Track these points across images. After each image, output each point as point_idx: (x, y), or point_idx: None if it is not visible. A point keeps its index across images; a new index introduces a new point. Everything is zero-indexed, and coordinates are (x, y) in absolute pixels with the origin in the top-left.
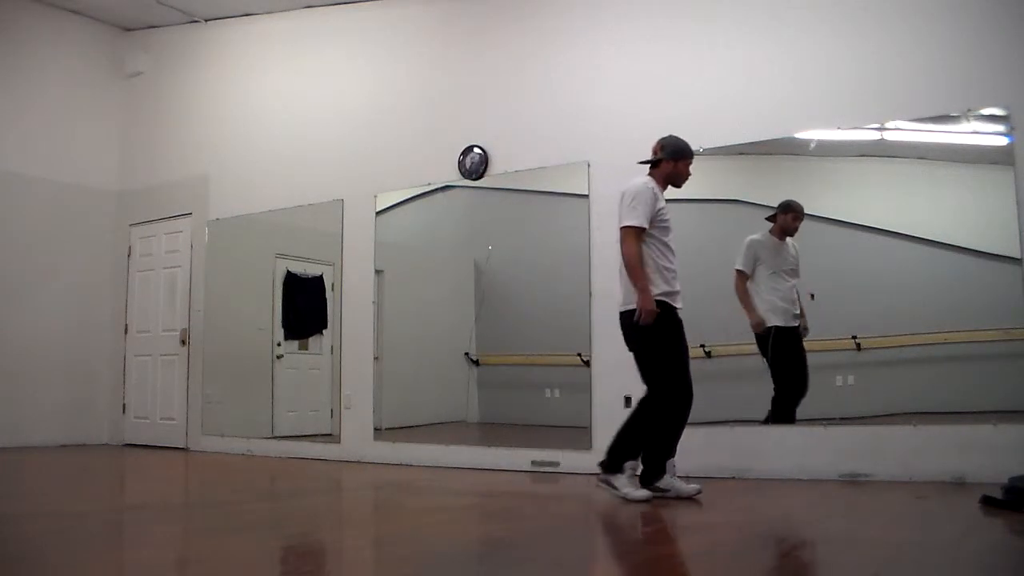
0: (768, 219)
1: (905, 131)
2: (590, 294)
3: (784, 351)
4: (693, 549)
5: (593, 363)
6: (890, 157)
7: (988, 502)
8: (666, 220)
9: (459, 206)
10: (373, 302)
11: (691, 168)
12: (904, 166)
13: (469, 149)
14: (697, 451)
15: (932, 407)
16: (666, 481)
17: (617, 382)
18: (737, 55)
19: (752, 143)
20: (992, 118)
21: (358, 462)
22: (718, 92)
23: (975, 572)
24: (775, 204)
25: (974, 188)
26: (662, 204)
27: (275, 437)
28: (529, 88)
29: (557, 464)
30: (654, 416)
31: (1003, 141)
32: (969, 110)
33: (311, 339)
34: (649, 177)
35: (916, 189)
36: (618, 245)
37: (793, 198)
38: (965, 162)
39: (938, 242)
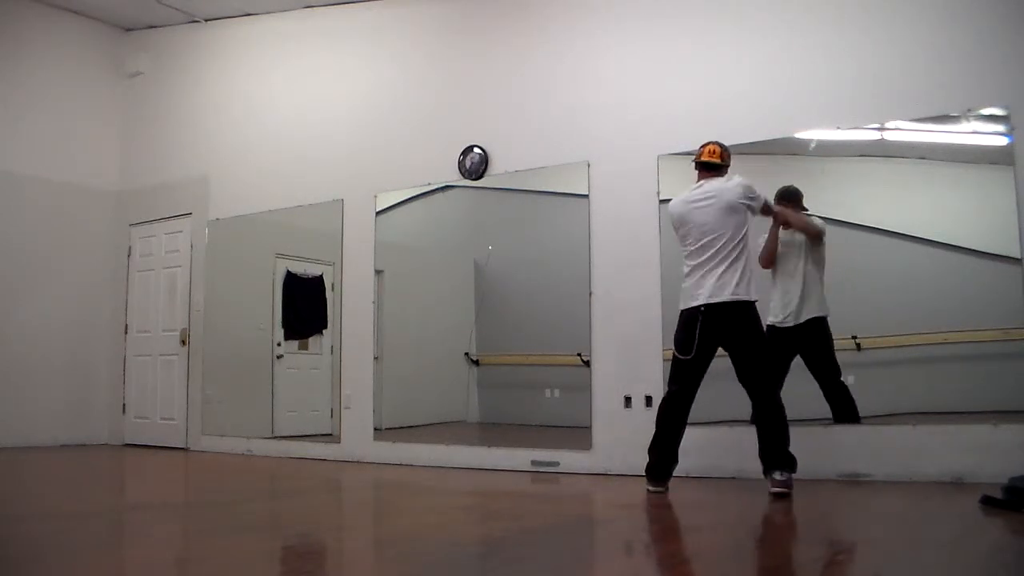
0: None
1: (905, 131)
2: (590, 294)
3: None
4: (693, 549)
5: (593, 363)
6: (890, 157)
7: (988, 502)
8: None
9: (459, 206)
10: (373, 302)
11: None
12: (904, 166)
13: (469, 149)
14: (697, 451)
15: (932, 407)
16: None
17: (617, 382)
18: (737, 55)
19: (752, 143)
20: (992, 118)
21: (358, 462)
22: (718, 92)
23: (975, 572)
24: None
25: (974, 188)
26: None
27: (275, 437)
28: (529, 88)
29: (557, 464)
30: (778, 405)
31: (1003, 141)
32: (969, 110)
33: (311, 339)
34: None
35: (916, 189)
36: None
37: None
38: (965, 162)
39: (938, 242)
